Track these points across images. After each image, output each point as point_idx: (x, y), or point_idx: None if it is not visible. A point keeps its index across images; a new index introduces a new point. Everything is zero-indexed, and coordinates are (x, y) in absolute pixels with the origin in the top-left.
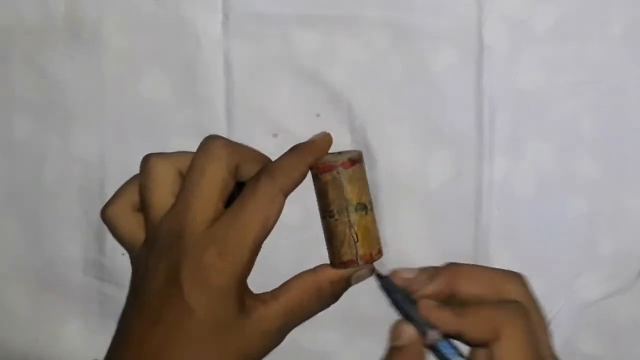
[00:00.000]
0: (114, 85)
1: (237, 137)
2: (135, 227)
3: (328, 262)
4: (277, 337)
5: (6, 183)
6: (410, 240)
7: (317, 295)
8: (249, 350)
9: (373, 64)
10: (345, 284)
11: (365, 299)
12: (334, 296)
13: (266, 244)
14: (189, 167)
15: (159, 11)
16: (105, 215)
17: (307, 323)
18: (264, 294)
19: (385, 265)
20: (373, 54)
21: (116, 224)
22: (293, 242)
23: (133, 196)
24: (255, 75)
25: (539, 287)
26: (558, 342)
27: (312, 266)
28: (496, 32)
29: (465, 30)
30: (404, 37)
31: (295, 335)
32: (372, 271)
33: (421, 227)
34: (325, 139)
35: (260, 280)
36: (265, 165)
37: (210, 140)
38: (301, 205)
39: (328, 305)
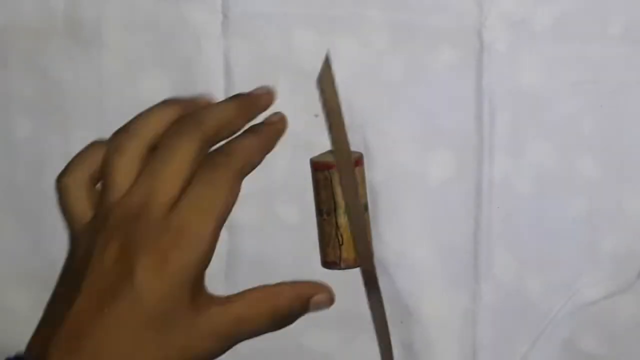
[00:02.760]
0: (114, 85)
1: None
2: (86, 202)
3: None
4: (223, 343)
5: (6, 183)
6: (410, 239)
7: (272, 311)
8: (192, 350)
9: (373, 64)
10: (303, 307)
11: (366, 299)
12: (290, 317)
13: (265, 243)
14: (160, 146)
15: (159, 11)
16: (60, 184)
17: (307, 323)
18: (219, 296)
19: (385, 265)
20: (373, 54)
21: (69, 194)
22: (292, 242)
23: (90, 169)
24: (255, 75)
25: (539, 287)
26: (558, 342)
27: (311, 266)
28: (496, 31)
29: (465, 30)
30: (404, 37)
31: (296, 335)
32: (332, 302)
33: (421, 226)
34: (281, 120)
35: (260, 281)
36: (223, 146)
37: (184, 121)
38: (301, 205)
39: (282, 326)
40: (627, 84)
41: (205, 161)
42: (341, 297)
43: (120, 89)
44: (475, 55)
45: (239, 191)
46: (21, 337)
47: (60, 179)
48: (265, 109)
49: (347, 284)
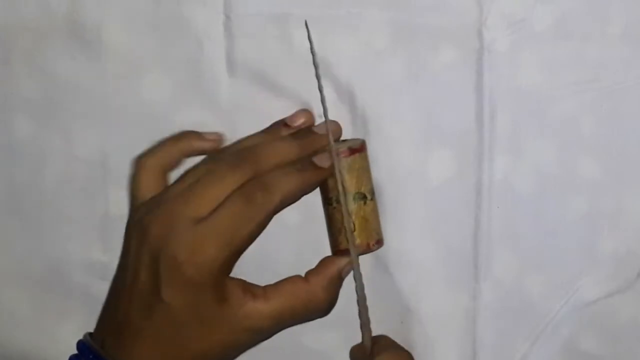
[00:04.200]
0: (116, 85)
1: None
2: (150, 186)
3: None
4: (262, 336)
5: (7, 183)
6: (410, 239)
7: (309, 302)
8: (232, 343)
9: (373, 63)
10: (337, 284)
11: (367, 300)
12: (328, 302)
13: (266, 243)
14: (209, 168)
15: (160, 11)
16: (136, 162)
17: (307, 323)
18: (256, 287)
19: (385, 264)
20: (373, 53)
21: (141, 175)
22: (293, 242)
23: (166, 157)
24: (257, 75)
25: (539, 287)
26: (558, 342)
27: (311, 266)
28: (496, 31)
29: (465, 30)
30: (404, 36)
31: (296, 334)
32: (357, 260)
33: (421, 226)
34: (327, 169)
35: (260, 281)
36: (264, 177)
37: (245, 154)
38: (301, 205)
39: (323, 314)
40: (627, 84)
41: (243, 189)
42: (341, 297)
43: (121, 89)
44: (475, 55)
45: (267, 225)
46: (21, 337)
47: (138, 158)
48: (319, 148)
49: (346, 284)
